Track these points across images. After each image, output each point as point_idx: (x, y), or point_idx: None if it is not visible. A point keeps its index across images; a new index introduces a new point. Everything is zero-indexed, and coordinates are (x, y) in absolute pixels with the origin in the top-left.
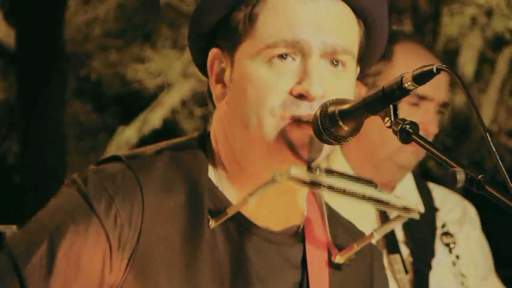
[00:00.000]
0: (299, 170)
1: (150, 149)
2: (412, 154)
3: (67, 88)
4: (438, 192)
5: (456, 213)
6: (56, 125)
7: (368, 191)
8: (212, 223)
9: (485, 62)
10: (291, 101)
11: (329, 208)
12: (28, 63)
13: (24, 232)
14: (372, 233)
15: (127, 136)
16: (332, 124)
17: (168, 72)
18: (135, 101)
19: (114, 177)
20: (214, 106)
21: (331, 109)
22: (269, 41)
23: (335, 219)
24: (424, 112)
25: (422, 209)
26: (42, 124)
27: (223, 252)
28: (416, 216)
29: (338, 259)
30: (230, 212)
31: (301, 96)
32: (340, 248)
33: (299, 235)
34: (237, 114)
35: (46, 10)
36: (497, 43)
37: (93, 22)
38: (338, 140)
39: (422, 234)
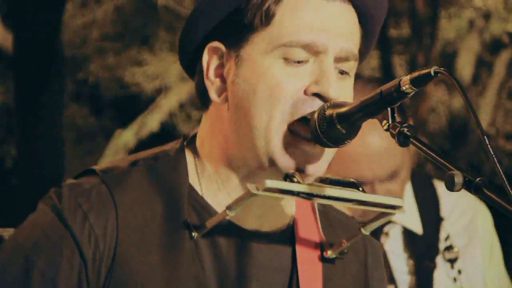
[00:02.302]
0: (275, 181)
1: (125, 161)
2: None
3: (65, 91)
4: (449, 196)
5: (464, 220)
6: (54, 129)
7: (350, 194)
8: (195, 234)
9: (483, 65)
10: (303, 100)
11: (322, 203)
12: (25, 67)
13: (1, 251)
14: (360, 229)
15: (124, 139)
16: (330, 127)
17: (165, 75)
18: (132, 104)
19: (88, 193)
20: (204, 106)
21: (328, 112)
22: (285, 40)
23: (329, 214)
24: None
25: (420, 230)
26: (40, 128)
27: (208, 260)
28: (401, 211)
29: (330, 254)
30: (209, 224)
31: (316, 96)
32: (332, 242)
33: (288, 232)
34: (242, 112)
35: (44, 13)
36: (494, 46)
37: (91, 25)
38: (336, 143)
39: (422, 255)
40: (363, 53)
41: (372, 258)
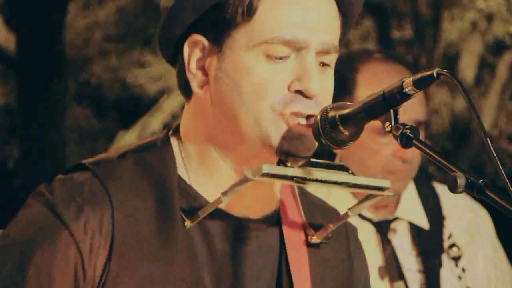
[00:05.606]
0: (271, 166)
1: (113, 153)
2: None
3: (67, 93)
4: (448, 196)
5: (465, 219)
6: (56, 130)
7: (341, 176)
8: (188, 223)
9: (486, 67)
10: (290, 97)
11: (301, 189)
12: (28, 68)
13: None
14: (346, 213)
15: (127, 140)
16: (332, 129)
17: (168, 76)
18: (135, 106)
19: (81, 186)
20: (186, 96)
21: (331, 113)
22: (267, 37)
23: (308, 200)
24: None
25: (427, 225)
26: (42, 129)
27: (201, 249)
28: (390, 194)
29: (315, 239)
30: (203, 213)
31: (299, 93)
32: (315, 228)
33: (275, 218)
34: (226, 106)
35: (46, 14)
36: (497, 48)
37: (93, 27)
38: (339, 144)
39: (429, 252)
40: (341, 39)
41: (353, 242)
